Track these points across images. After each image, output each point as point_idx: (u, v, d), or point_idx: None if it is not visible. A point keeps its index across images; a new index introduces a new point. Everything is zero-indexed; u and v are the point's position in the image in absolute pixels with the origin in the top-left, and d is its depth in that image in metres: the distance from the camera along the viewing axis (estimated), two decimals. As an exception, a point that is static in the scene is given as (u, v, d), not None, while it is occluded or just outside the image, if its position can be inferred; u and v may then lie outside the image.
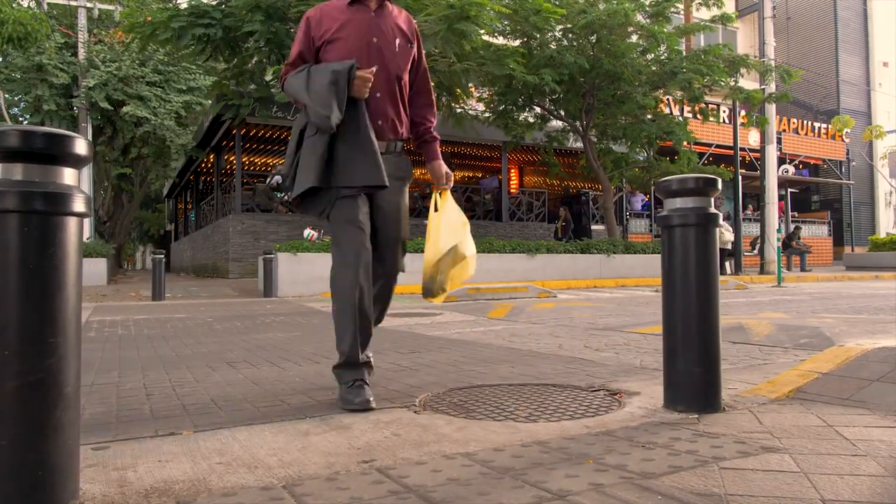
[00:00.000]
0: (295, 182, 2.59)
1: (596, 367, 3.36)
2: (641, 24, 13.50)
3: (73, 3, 17.06)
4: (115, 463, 1.81)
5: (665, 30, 13.65)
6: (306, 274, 10.43)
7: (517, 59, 11.70)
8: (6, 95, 17.08)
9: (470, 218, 14.29)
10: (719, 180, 2.33)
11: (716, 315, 2.29)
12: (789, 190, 23.07)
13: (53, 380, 1.40)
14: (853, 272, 17.30)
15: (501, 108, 14.76)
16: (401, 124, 2.70)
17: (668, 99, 17.63)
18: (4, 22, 11.28)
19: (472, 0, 9.71)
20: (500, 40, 13.52)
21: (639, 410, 2.33)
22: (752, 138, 20.71)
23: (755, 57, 15.83)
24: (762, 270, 16.40)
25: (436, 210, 2.88)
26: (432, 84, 2.97)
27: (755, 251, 17.79)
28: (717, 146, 20.63)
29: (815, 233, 23.90)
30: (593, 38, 13.49)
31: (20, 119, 19.27)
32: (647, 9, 13.72)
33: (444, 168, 2.90)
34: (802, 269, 17.95)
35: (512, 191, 20.35)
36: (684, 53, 14.63)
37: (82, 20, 16.96)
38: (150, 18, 11.14)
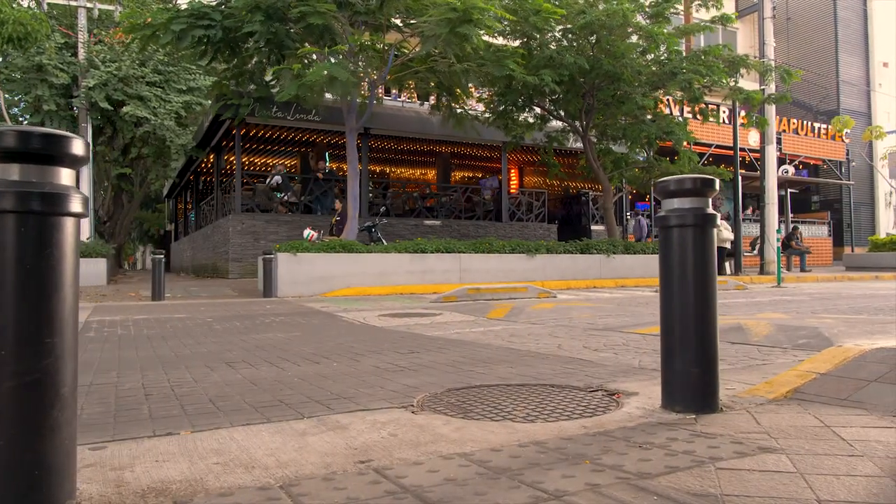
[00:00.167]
0: None
1: (595, 368, 3.36)
2: (641, 25, 13.49)
3: (73, 3, 17.06)
4: (113, 463, 1.81)
5: (665, 30, 13.65)
6: (306, 274, 10.44)
7: (517, 60, 11.70)
8: (6, 95, 17.08)
9: (470, 218, 14.21)
10: (717, 181, 2.34)
11: (713, 315, 2.29)
12: (789, 190, 23.07)
13: (50, 380, 1.40)
14: (853, 272, 17.30)
15: (501, 108, 14.76)
16: None
17: (667, 99, 17.63)
18: (4, 22, 11.29)
19: (475, 4, 9.71)
20: (500, 41, 13.53)
21: (636, 411, 2.33)
22: (752, 139, 20.71)
23: (755, 57, 15.82)
24: (762, 271, 16.40)
25: None
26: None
27: (755, 251, 17.79)
28: (717, 146, 20.64)
29: (815, 233, 23.90)
30: (593, 39, 13.49)
31: (20, 119, 19.28)
32: (647, 9, 13.73)
33: None
34: (802, 270, 17.96)
35: (512, 191, 20.35)
36: (684, 54, 14.63)
37: (82, 20, 16.97)
38: (150, 20, 11.14)
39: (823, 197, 27.30)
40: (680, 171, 14.82)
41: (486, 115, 15.06)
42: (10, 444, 1.35)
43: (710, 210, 2.31)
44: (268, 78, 12.84)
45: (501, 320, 6.28)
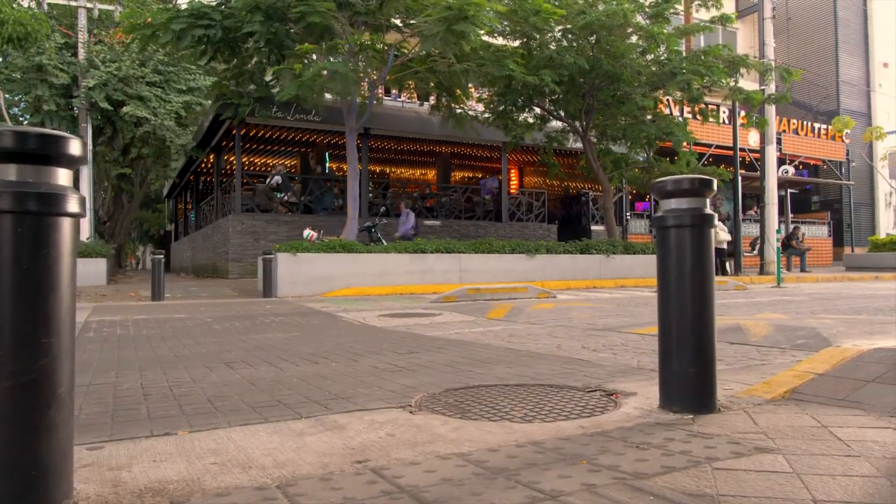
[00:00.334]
0: None
1: (593, 368, 3.36)
2: (641, 25, 13.49)
3: (73, 4, 17.07)
4: (110, 463, 1.81)
5: (664, 31, 13.65)
6: (306, 274, 10.44)
7: (517, 60, 11.70)
8: (6, 95, 17.09)
9: (470, 218, 14.20)
10: (714, 181, 2.34)
11: (711, 316, 2.29)
12: (789, 190, 23.06)
13: (47, 380, 1.40)
14: (853, 273, 17.30)
15: (501, 108, 14.76)
16: None
17: (667, 99, 17.62)
18: (4, 22, 11.29)
19: (469, 0, 9.71)
20: (500, 41, 13.53)
21: (634, 411, 2.33)
22: (752, 139, 20.71)
23: (755, 57, 15.82)
24: (762, 271, 16.39)
25: None
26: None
27: (755, 252, 17.79)
28: (717, 147, 20.63)
29: (815, 233, 23.89)
30: (593, 39, 13.49)
31: (20, 119, 19.28)
32: (647, 10, 13.73)
33: None
34: (802, 270, 17.95)
35: (512, 191, 20.35)
36: (684, 54, 14.63)
37: (82, 20, 16.97)
38: (150, 20, 11.15)
39: (823, 197, 27.29)
40: (680, 171, 14.80)
41: (486, 115, 15.06)
42: (7, 444, 1.36)
43: (708, 210, 2.31)
44: (268, 78, 12.84)
45: (501, 320, 6.28)
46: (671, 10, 14.02)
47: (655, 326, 2.42)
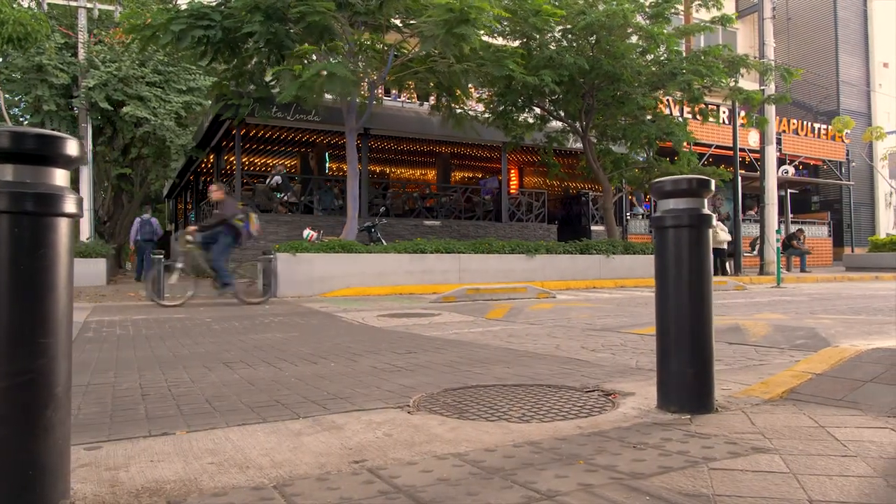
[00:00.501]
0: None
1: (592, 368, 3.36)
2: (641, 26, 13.49)
3: (73, 4, 17.07)
4: (108, 463, 1.81)
5: (664, 31, 13.65)
6: (305, 274, 10.44)
7: (517, 60, 11.70)
8: (6, 96, 17.09)
9: (470, 218, 14.19)
10: (712, 181, 2.34)
11: (709, 316, 2.29)
12: (789, 191, 23.06)
13: (44, 380, 1.40)
14: (853, 273, 17.29)
15: (501, 108, 14.76)
16: None
17: (667, 100, 17.61)
18: (4, 22, 11.29)
19: (471, 4, 9.71)
20: (500, 41, 13.53)
21: (632, 411, 2.33)
22: (752, 139, 20.70)
23: (755, 57, 15.82)
24: (762, 271, 16.39)
25: None
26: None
27: (755, 252, 17.78)
28: (717, 147, 20.62)
29: (815, 233, 23.88)
30: (593, 39, 13.49)
31: (20, 119, 19.27)
32: (647, 10, 13.73)
33: None
34: (802, 270, 17.94)
35: (512, 191, 20.34)
36: (684, 54, 14.63)
37: (82, 20, 16.97)
38: (150, 20, 11.15)
39: (823, 197, 27.28)
40: (680, 171, 14.80)
41: (486, 115, 15.05)
42: (4, 444, 1.36)
43: (706, 210, 2.31)
44: (268, 78, 12.84)
45: (500, 321, 6.28)
46: (671, 11, 14.02)
47: (655, 327, 2.43)
